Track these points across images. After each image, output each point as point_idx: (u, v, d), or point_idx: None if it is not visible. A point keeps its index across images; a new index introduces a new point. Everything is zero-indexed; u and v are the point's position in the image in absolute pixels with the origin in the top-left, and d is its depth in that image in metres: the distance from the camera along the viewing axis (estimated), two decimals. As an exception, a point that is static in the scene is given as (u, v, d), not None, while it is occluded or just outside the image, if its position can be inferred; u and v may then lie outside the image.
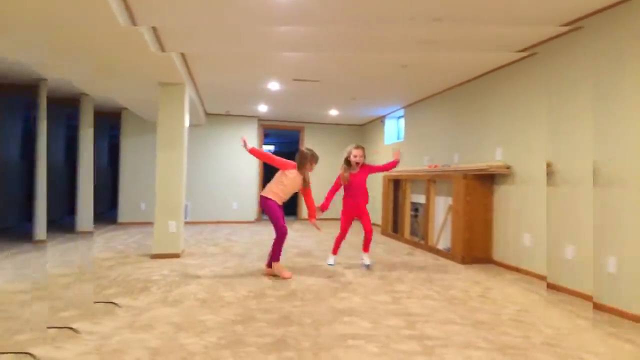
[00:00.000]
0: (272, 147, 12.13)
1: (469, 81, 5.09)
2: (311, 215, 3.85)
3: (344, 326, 2.49)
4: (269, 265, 3.81)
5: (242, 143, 3.76)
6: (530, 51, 3.91)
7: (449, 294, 3.26)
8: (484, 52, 4.05)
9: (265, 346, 2.16)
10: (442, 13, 3.12)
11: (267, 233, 6.72)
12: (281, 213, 3.74)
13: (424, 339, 2.30)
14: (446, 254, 4.79)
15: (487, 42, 3.75)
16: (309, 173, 3.84)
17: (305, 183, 3.81)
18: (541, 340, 2.34)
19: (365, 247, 4.32)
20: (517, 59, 4.16)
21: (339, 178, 4.22)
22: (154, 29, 3.51)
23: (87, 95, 6.28)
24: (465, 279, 3.78)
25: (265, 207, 3.76)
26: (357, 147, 4.18)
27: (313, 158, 3.80)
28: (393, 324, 2.54)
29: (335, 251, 4.39)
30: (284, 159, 3.81)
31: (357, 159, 4.13)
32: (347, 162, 4.17)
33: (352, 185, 4.17)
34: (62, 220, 7.61)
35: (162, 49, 3.93)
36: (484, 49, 3.92)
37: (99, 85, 5.26)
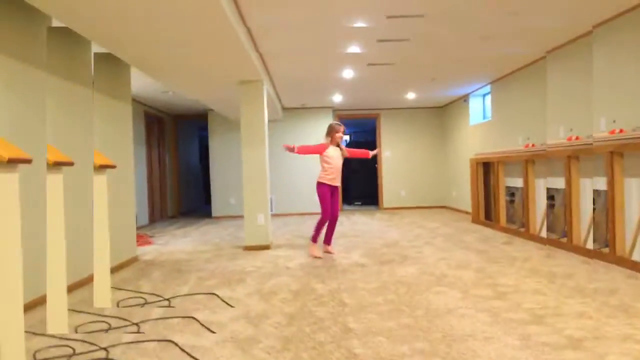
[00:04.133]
0: (347, 137, 12.00)
1: (572, 41, 4.29)
2: (365, 154, 4.37)
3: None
4: (328, 242, 4.30)
5: (286, 149, 4.06)
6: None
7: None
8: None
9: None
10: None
11: (349, 224, 6.65)
12: (329, 199, 4.10)
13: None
14: (559, 243, 4.24)
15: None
16: (339, 141, 4.19)
17: (342, 151, 4.20)
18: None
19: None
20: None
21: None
22: (249, 29, 3.65)
23: (212, 110, 7.63)
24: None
25: (317, 193, 4.15)
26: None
27: (336, 127, 4.18)
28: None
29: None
30: (317, 144, 4.31)
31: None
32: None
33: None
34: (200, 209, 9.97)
35: (257, 49, 4.13)
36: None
37: (189, 88, 5.48)
